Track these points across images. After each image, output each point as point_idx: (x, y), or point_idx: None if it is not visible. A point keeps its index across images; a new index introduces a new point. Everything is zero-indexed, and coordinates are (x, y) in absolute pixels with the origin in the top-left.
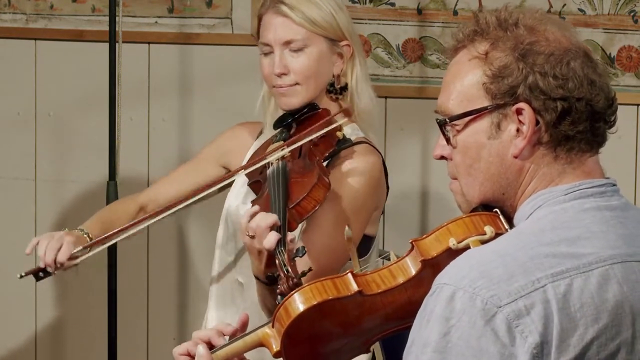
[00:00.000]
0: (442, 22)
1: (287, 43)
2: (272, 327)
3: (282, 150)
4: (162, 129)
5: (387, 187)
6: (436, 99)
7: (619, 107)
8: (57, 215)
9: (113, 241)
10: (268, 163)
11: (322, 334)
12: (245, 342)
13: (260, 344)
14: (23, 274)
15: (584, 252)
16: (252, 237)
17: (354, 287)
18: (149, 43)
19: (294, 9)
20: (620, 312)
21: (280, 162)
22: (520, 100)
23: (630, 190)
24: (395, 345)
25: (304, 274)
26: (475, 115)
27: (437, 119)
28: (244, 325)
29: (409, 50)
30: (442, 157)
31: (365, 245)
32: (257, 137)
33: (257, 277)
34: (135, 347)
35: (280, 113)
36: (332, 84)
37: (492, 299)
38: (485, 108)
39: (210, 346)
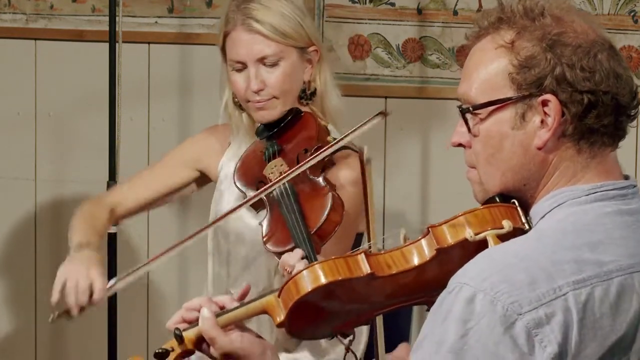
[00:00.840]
0: (442, 22)
1: (262, 59)
2: (279, 296)
3: (288, 174)
4: (162, 129)
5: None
6: (437, 99)
7: None
8: (57, 215)
9: (141, 271)
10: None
11: (328, 308)
12: (248, 309)
13: (264, 311)
14: (55, 317)
15: (605, 260)
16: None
17: (367, 269)
18: (149, 43)
19: (265, 23)
20: (636, 323)
21: (286, 183)
22: (546, 92)
23: None
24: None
25: (282, 285)
26: (499, 105)
27: (458, 106)
28: (244, 297)
29: (409, 50)
30: (460, 145)
31: (356, 241)
32: (229, 144)
33: None
34: (136, 347)
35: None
36: (303, 90)
37: (513, 305)
38: (510, 98)
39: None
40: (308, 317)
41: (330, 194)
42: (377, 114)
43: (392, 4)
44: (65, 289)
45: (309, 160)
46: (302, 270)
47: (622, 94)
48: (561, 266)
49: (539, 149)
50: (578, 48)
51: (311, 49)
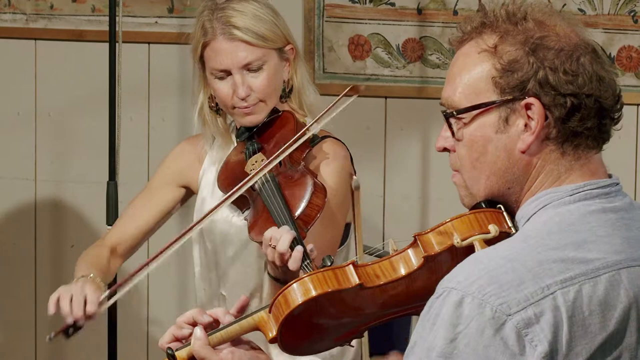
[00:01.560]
0: (442, 22)
1: (246, 65)
2: (270, 312)
3: (267, 165)
4: (162, 129)
5: (354, 171)
6: (437, 99)
7: None
8: (57, 216)
9: (134, 281)
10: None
11: (319, 321)
12: (241, 326)
13: (256, 328)
14: (52, 336)
15: (591, 257)
16: (274, 247)
17: (355, 280)
18: (149, 43)
19: (245, 30)
20: (626, 319)
21: (267, 175)
22: (529, 95)
23: (630, 191)
24: (380, 334)
25: (272, 300)
26: (483, 109)
27: (442, 111)
28: (242, 309)
29: (409, 50)
30: (445, 149)
31: (345, 232)
32: (207, 152)
33: (277, 279)
34: (135, 348)
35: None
36: (282, 89)
37: (502, 307)
38: (493, 102)
39: (205, 329)
40: (300, 332)
41: (310, 180)
42: (347, 90)
43: (392, 4)
44: (60, 302)
45: (286, 148)
46: (292, 284)
47: (605, 96)
48: (548, 265)
49: (523, 152)
50: (561, 51)
51: (287, 47)
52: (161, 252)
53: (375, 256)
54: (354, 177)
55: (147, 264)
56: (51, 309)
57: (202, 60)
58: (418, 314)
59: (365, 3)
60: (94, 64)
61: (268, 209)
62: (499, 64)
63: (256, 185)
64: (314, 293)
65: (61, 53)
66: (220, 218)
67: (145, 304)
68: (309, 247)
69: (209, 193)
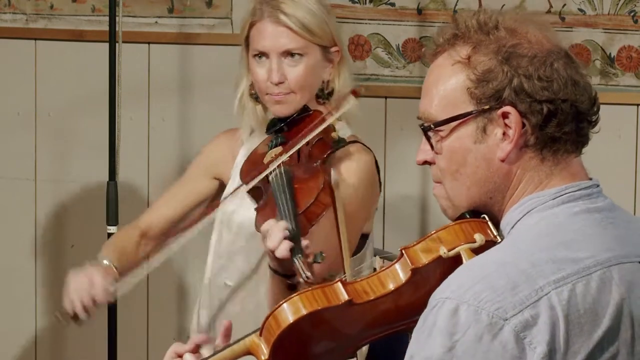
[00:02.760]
0: (442, 22)
1: (286, 52)
2: (260, 335)
3: (281, 156)
4: (162, 129)
5: (380, 184)
6: None
7: (619, 107)
8: (57, 215)
9: (142, 272)
10: (271, 171)
11: (311, 341)
12: (233, 351)
13: (248, 352)
14: (62, 319)
15: (581, 256)
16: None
17: (344, 297)
18: (149, 43)
19: (293, 18)
20: (619, 315)
21: (282, 168)
22: (505, 104)
23: (630, 191)
24: (378, 351)
25: (324, 280)
26: (460, 121)
27: (420, 125)
28: (227, 331)
29: (409, 50)
30: (426, 162)
31: (359, 243)
32: (243, 142)
33: (275, 271)
34: (135, 347)
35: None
36: (321, 89)
37: (498, 311)
38: (470, 113)
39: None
40: (292, 354)
41: (322, 177)
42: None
43: (392, 4)
44: (68, 291)
45: (299, 139)
46: (281, 304)
47: (581, 100)
48: (540, 267)
49: (502, 160)
50: (534, 58)
51: (333, 49)
52: (173, 239)
53: (387, 260)
54: (332, 171)
55: (157, 255)
56: (65, 301)
57: (247, 41)
58: (410, 330)
59: (365, 3)
60: (94, 64)
61: (275, 201)
62: (473, 74)
63: (270, 178)
64: (304, 312)
65: (61, 53)
66: (238, 209)
67: (145, 304)
68: (304, 242)
69: (232, 184)
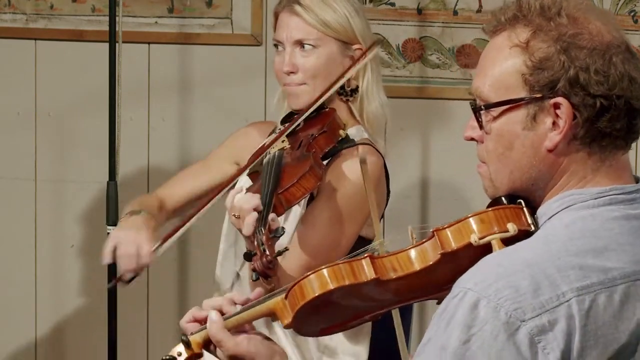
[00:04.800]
0: (442, 22)
1: (298, 42)
2: (285, 298)
3: (280, 141)
4: (162, 129)
5: (388, 191)
6: (437, 99)
7: None
8: (57, 215)
9: (182, 231)
10: (267, 153)
11: (334, 311)
12: (256, 311)
13: (272, 313)
14: (111, 285)
15: (609, 266)
16: (237, 217)
17: (372, 274)
18: (149, 43)
19: (308, 9)
20: (639, 332)
21: (276, 152)
22: (558, 95)
23: None
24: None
25: (279, 253)
26: (511, 105)
27: (471, 103)
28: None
29: (409, 50)
30: (472, 139)
31: (360, 247)
32: (269, 136)
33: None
34: (135, 347)
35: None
36: (342, 86)
37: (516, 312)
38: (522, 99)
39: (221, 314)
40: (315, 319)
41: (309, 163)
42: (370, 46)
43: (392, 4)
44: (117, 256)
45: (292, 124)
46: (308, 275)
47: (636, 97)
48: (566, 272)
49: (550, 151)
50: (593, 51)
51: (356, 46)
52: (198, 211)
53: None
54: (359, 149)
55: (195, 214)
56: (107, 259)
57: (275, 31)
58: (434, 299)
59: (365, 3)
60: (94, 64)
61: (261, 180)
62: (530, 61)
63: (264, 160)
64: (330, 287)
65: (61, 53)
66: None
67: (145, 304)
68: (270, 216)
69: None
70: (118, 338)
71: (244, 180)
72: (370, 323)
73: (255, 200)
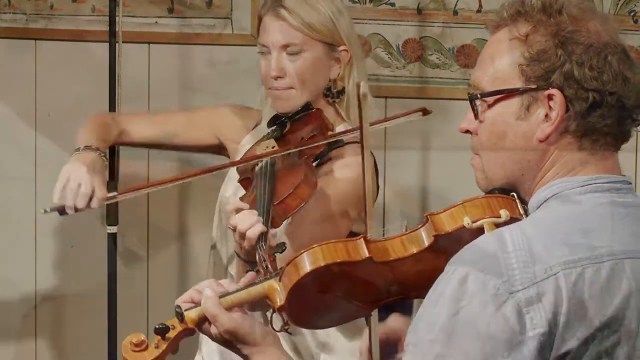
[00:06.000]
0: (442, 22)
1: (284, 47)
2: (280, 280)
3: (271, 147)
4: None
5: (378, 186)
6: (436, 99)
7: None
8: (57, 215)
9: (142, 192)
10: (258, 161)
11: (327, 294)
12: (249, 293)
13: (265, 296)
14: (48, 210)
15: (596, 245)
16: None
17: (365, 253)
18: (149, 43)
19: (292, 13)
20: (626, 306)
21: (268, 159)
22: (552, 86)
23: None
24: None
25: (279, 250)
26: (506, 94)
27: (468, 93)
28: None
29: (409, 50)
30: (467, 131)
31: None
32: (254, 127)
33: (237, 255)
34: None
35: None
36: (328, 88)
37: (505, 284)
38: (517, 89)
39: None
40: (307, 303)
41: (303, 171)
42: (415, 111)
43: (392, 4)
44: (66, 189)
45: (294, 146)
46: (302, 253)
47: (629, 97)
48: (554, 248)
49: (541, 141)
50: (590, 47)
51: (341, 48)
52: (164, 183)
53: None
54: (362, 83)
55: (159, 183)
56: (56, 196)
57: (258, 34)
58: (423, 297)
59: (365, 3)
60: (94, 64)
61: (255, 191)
62: (527, 52)
63: (257, 169)
64: (322, 262)
65: (61, 53)
66: (232, 197)
67: (145, 304)
68: (271, 231)
69: (232, 174)
70: (118, 338)
71: (235, 187)
72: (364, 319)
73: (254, 219)
